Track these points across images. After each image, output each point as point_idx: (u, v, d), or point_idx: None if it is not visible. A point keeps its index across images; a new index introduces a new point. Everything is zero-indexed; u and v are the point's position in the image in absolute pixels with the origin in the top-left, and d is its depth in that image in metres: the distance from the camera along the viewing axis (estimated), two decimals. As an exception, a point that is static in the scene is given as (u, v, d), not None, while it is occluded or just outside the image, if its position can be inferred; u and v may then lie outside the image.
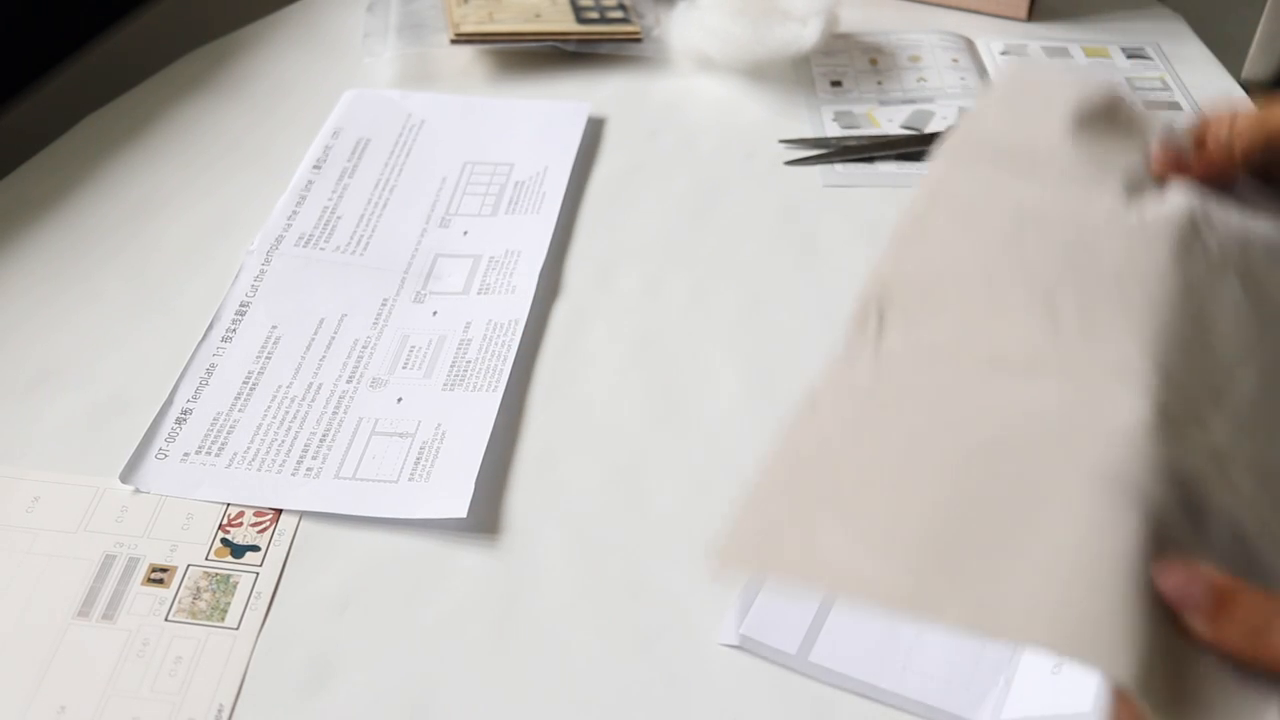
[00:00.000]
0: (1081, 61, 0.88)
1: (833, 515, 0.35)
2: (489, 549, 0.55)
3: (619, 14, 0.90)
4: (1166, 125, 0.50)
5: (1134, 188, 0.46)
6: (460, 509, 0.55)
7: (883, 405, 0.39)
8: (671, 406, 0.62)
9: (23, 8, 0.83)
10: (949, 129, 0.50)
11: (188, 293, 0.69)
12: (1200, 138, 0.48)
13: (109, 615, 0.51)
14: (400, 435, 0.59)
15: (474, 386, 0.62)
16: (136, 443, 0.59)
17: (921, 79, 0.86)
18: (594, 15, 0.90)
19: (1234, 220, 0.45)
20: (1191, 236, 0.43)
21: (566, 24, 0.89)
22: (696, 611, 0.52)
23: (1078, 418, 0.36)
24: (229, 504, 0.56)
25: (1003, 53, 0.90)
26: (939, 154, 0.49)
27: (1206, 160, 0.48)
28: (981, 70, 0.88)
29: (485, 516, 0.56)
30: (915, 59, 0.88)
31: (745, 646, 0.50)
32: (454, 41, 0.87)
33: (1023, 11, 0.93)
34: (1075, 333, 0.40)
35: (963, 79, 0.86)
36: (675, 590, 0.53)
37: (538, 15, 0.89)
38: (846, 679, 0.49)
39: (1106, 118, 0.50)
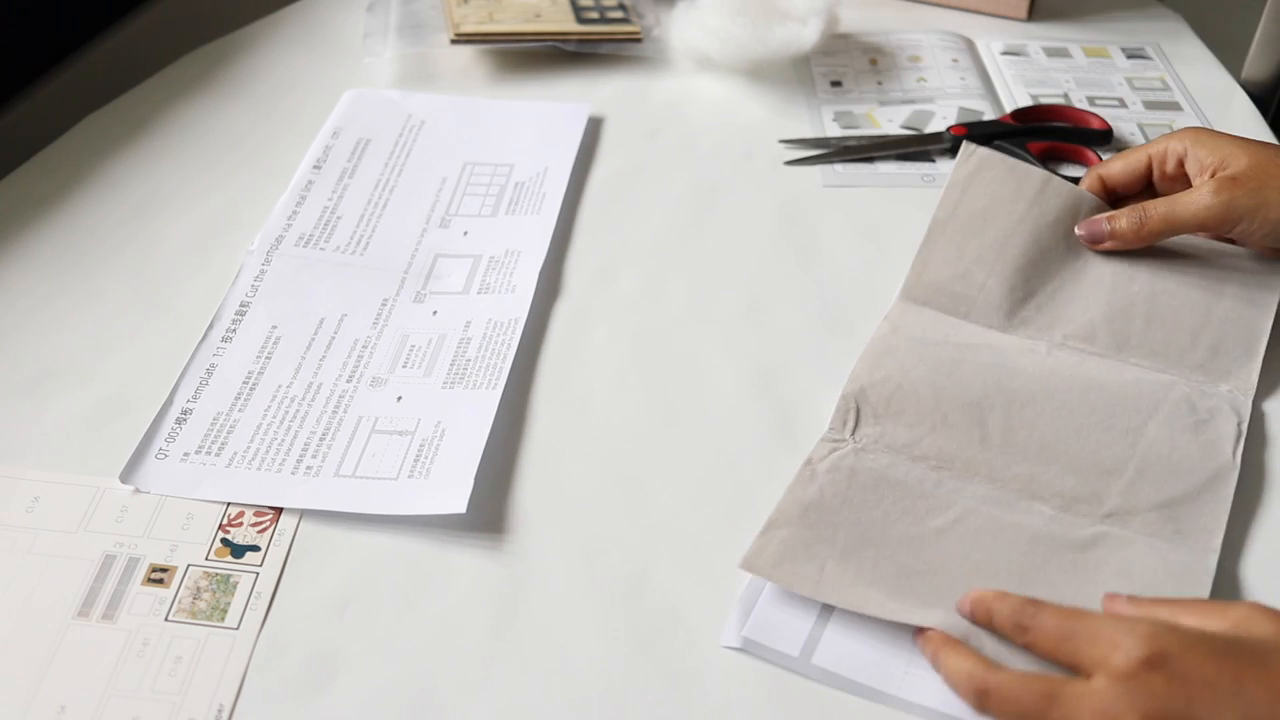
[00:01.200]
0: (1081, 62, 0.88)
1: (835, 556, 0.52)
2: (489, 549, 0.55)
3: (619, 14, 0.91)
4: (1089, 203, 0.67)
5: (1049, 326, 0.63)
6: (459, 504, 0.55)
7: (862, 484, 0.55)
8: (671, 406, 0.62)
9: (23, 8, 0.83)
10: (910, 269, 0.66)
11: (188, 293, 0.69)
12: (1115, 229, 0.65)
13: (109, 615, 0.51)
14: (400, 433, 0.59)
15: (474, 384, 0.62)
16: (136, 442, 0.59)
17: (921, 79, 0.86)
18: (594, 15, 0.90)
19: (1139, 302, 0.63)
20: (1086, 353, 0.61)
21: (566, 24, 0.89)
22: (697, 612, 0.52)
23: (1000, 514, 0.54)
24: (229, 504, 0.56)
25: (1003, 52, 0.90)
26: (900, 293, 0.65)
27: (1121, 242, 0.65)
28: (981, 70, 0.88)
29: (486, 515, 0.56)
30: (915, 59, 0.88)
31: (747, 649, 0.50)
32: (454, 41, 0.87)
33: (1023, 11, 0.93)
34: (998, 446, 0.57)
35: (963, 79, 0.86)
36: (675, 590, 0.53)
37: (538, 15, 0.89)
38: (849, 682, 0.49)
39: (1037, 226, 0.66)
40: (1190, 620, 0.45)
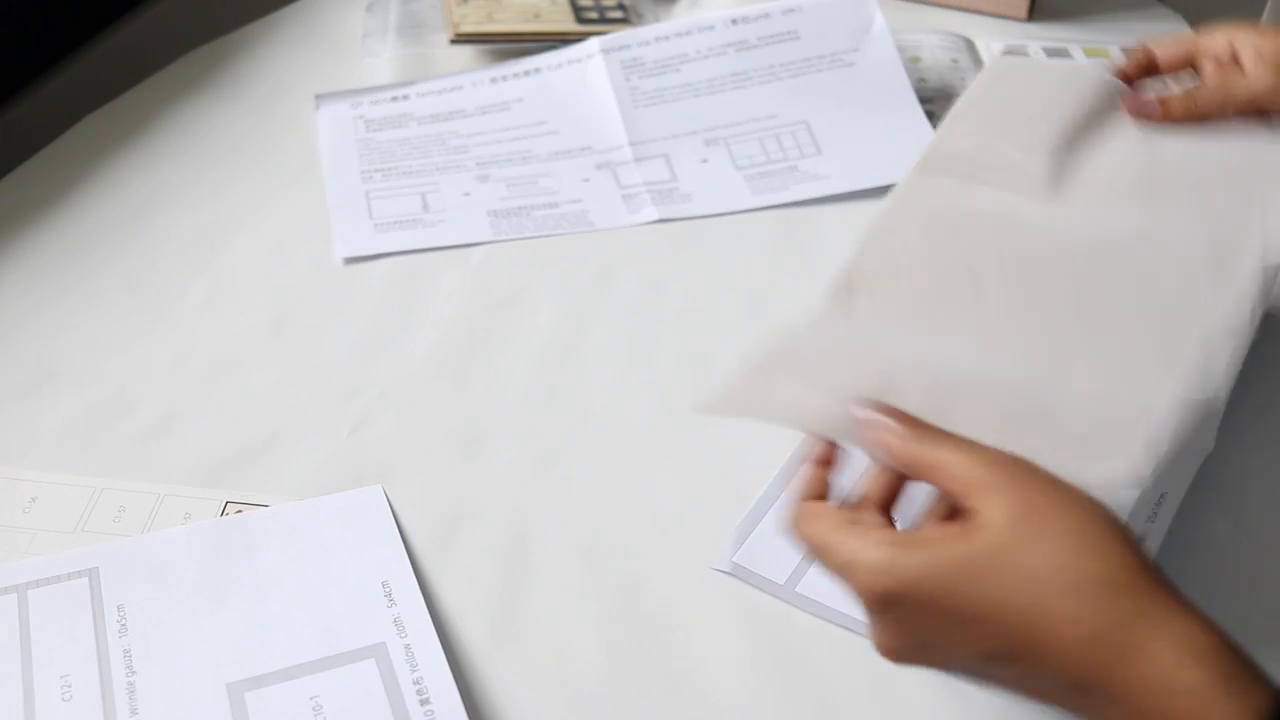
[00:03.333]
0: (1081, 62, 0.88)
1: (795, 378, 0.47)
2: (489, 549, 0.55)
3: (619, 14, 0.90)
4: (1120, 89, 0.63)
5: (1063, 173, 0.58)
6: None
7: (846, 347, 0.50)
8: (672, 406, 0.62)
9: (23, 7, 0.83)
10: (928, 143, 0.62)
11: (188, 294, 0.69)
12: (1166, 108, 0.61)
13: (107, 615, 0.51)
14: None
15: None
16: (136, 443, 0.59)
17: (922, 79, 0.86)
18: (594, 15, 0.90)
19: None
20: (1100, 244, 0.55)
21: (566, 24, 0.89)
22: (696, 612, 0.52)
23: (982, 369, 0.48)
24: (227, 501, 0.56)
25: (1003, 53, 0.89)
26: (916, 165, 0.60)
27: (1169, 118, 0.61)
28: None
29: (485, 516, 0.56)
30: (915, 59, 0.88)
31: (737, 574, 0.53)
32: (454, 41, 0.87)
33: (1023, 11, 0.93)
34: (992, 308, 0.51)
35: (963, 79, 0.86)
36: (675, 590, 0.53)
37: (537, 15, 0.89)
38: (830, 611, 0.51)
39: (1073, 114, 0.61)
40: (958, 474, 0.40)
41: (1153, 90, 0.63)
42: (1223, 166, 0.59)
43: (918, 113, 0.80)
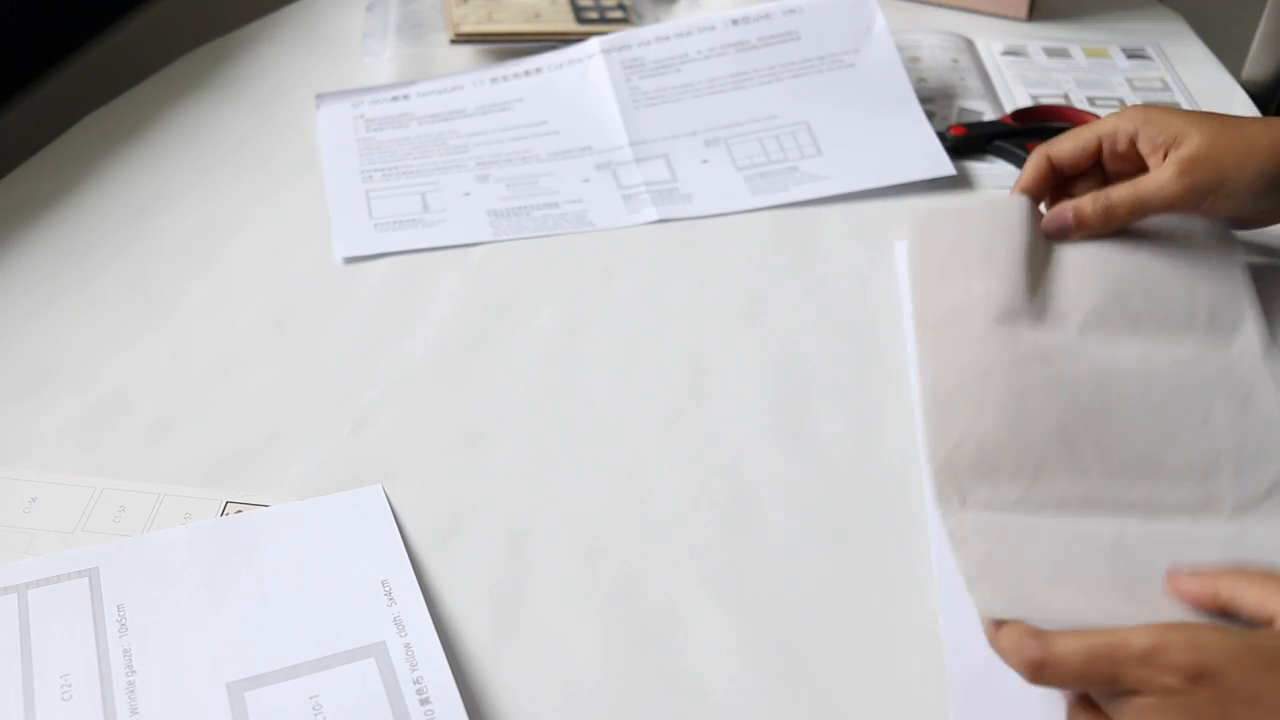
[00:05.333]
0: (1082, 62, 0.88)
1: (1041, 582, 0.50)
2: (489, 548, 0.55)
3: (619, 14, 0.90)
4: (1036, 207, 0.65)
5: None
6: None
7: (1014, 540, 0.53)
8: (672, 406, 0.62)
9: (23, 7, 0.83)
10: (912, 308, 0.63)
11: (188, 293, 0.69)
12: (1081, 219, 0.63)
13: (107, 615, 0.51)
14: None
15: None
16: (136, 443, 0.59)
17: (922, 79, 0.86)
18: (594, 15, 0.90)
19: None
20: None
21: (566, 24, 0.89)
22: (697, 612, 0.52)
23: (1145, 529, 0.53)
24: (227, 501, 0.56)
25: (1003, 52, 0.89)
26: (916, 329, 0.61)
27: (1087, 231, 0.63)
28: (981, 70, 0.87)
29: (485, 515, 0.56)
30: (915, 59, 0.88)
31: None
32: (454, 41, 0.87)
33: (1023, 11, 0.93)
34: (1101, 473, 0.55)
35: (963, 79, 0.86)
36: (675, 590, 0.53)
37: (537, 15, 0.89)
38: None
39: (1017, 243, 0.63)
40: (1254, 594, 0.44)
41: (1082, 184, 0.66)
42: (1175, 270, 0.62)
43: (918, 113, 0.80)
